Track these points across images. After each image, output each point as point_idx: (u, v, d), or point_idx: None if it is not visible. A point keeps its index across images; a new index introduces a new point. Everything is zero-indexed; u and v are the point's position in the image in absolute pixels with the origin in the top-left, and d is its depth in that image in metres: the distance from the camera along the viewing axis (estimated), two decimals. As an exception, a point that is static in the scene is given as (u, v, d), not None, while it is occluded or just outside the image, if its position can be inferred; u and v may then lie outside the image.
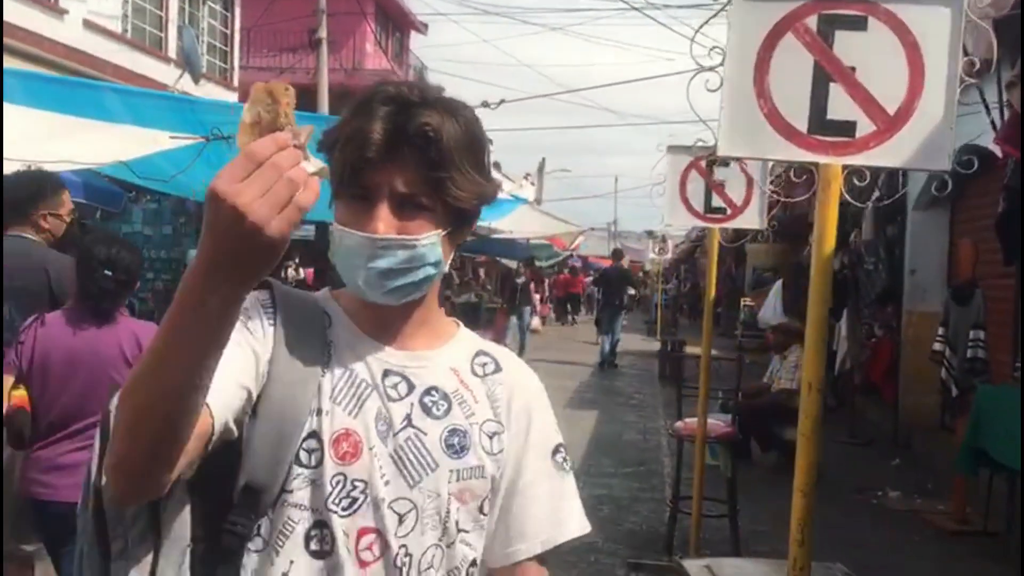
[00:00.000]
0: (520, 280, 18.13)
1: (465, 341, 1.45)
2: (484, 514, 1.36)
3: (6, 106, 4.23)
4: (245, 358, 1.24)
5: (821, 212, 2.47)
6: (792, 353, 8.68)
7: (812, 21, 2.41)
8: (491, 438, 1.37)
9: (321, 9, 15.65)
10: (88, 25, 12.98)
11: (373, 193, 1.26)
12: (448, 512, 1.32)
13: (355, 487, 1.27)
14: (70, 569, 2.51)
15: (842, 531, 6.19)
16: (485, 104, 12.82)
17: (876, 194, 7.50)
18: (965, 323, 6.66)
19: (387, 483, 1.28)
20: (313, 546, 1.26)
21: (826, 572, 3.59)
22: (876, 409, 10.43)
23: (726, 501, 5.87)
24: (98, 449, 1.19)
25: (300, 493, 1.26)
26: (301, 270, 14.70)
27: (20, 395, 3.26)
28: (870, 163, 2.42)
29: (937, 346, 6.98)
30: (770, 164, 5.04)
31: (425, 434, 1.32)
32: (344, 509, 1.26)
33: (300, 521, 1.25)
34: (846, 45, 2.40)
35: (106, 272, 3.32)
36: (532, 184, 34.83)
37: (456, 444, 1.33)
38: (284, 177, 0.95)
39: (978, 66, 2.36)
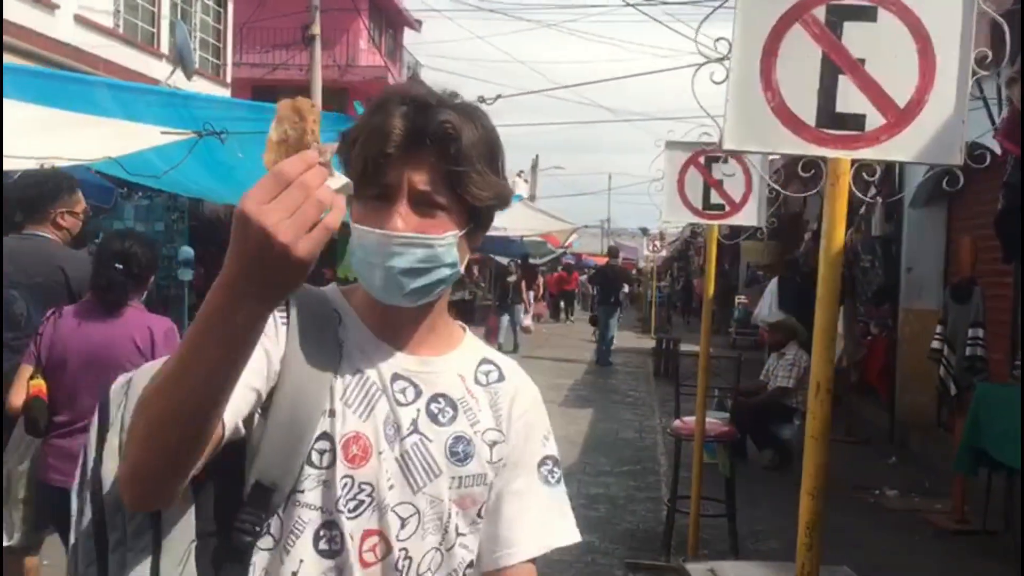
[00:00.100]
0: (511, 278, 17.98)
1: (471, 347, 1.46)
2: (481, 518, 1.38)
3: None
4: (256, 358, 1.22)
5: (830, 207, 2.41)
6: (789, 351, 8.65)
7: (820, 12, 2.36)
8: (491, 447, 1.38)
9: (314, 5, 15.55)
10: (80, 20, 12.89)
11: (392, 190, 1.26)
12: (449, 517, 1.33)
13: (362, 490, 1.28)
14: None
15: (841, 531, 6.12)
16: (481, 99, 12.76)
17: (872, 191, 7.46)
18: (964, 321, 6.61)
19: (392, 487, 1.29)
20: (323, 546, 1.26)
21: None
22: (872, 407, 10.41)
23: (724, 501, 5.82)
24: (96, 432, 1.24)
25: (311, 494, 1.26)
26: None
27: (38, 384, 3.41)
28: (880, 157, 2.37)
29: (935, 344, 6.94)
30: (768, 160, 5.00)
31: (431, 440, 1.33)
32: (351, 511, 1.27)
33: (310, 521, 1.26)
34: (855, 36, 2.35)
35: (117, 265, 3.47)
36: (526, 182, 34.86)
37: (460, 452, 1.34)
38: (312, 198, 0.96)
39: (990, 58, 2.31)
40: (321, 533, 1.26)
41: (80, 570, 1.25)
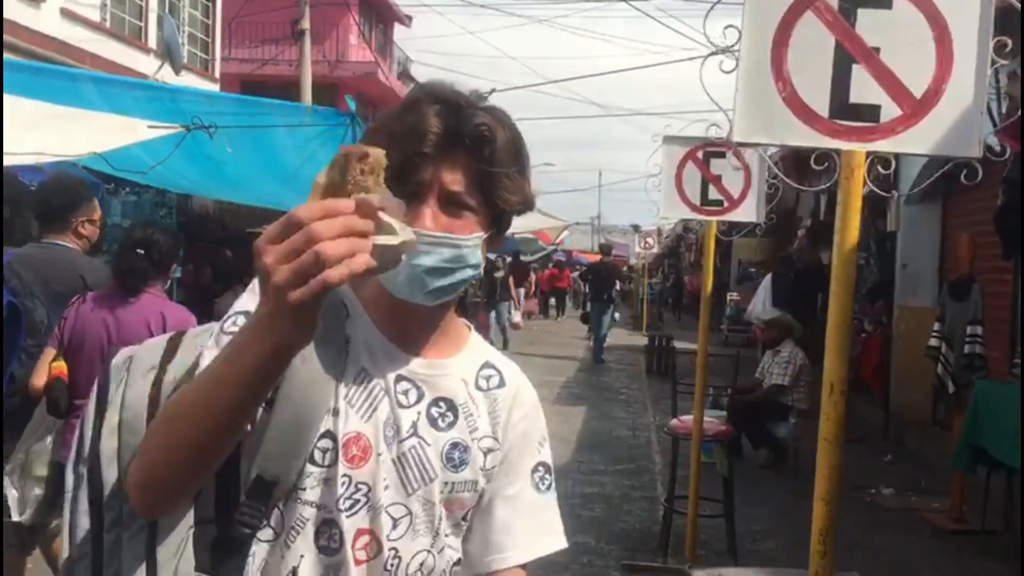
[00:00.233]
0: (498, 275, 17.81)
1: (475, 350, 1.45)
2: (465, 520, 1.40)
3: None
4: None
5: (844, 201, 2.33)
6: (784, 348, 8.58)
7: (833, -1, 2.27)
8: (486, 455, 1.39)
9: (304, 0, 15.44)
10: (66, 14, 12.72)
11: (423, 189, 1.26)
12: (440, 519, 1.35)
13: (358, 489, 1.28)
14: None
15: (839, 531, 6.04)
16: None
17: (867, 188, 7.39)
18: (962, 318, 6.54)
19: (387, 488, 1.30)
20: (322, 542, 1.27)
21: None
22: (866, 405, 10.35)
23: (721, 500, 5.74)
24: (94, 409, 1.28)
25: (312, 491, 1.26)
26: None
27: (59, 366, 3.61)
28: (896, 149, 2.28)
29: (933, 342, 6.86)
30: (769, 153, 4.91)
31: (428, 445, 1.33)
32: (347, 510, 1.27)
33: (311, 518, 1.26)
34: (870, 24, 2.26)
35: (138, 251, 3.71)
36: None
37: (456, 458, 1.35)
38: (313, 248, 0.93)
39: (1010, 46, 2.22)
40: (321, 531, 1.27)
41: (75, 548, 1.25)
